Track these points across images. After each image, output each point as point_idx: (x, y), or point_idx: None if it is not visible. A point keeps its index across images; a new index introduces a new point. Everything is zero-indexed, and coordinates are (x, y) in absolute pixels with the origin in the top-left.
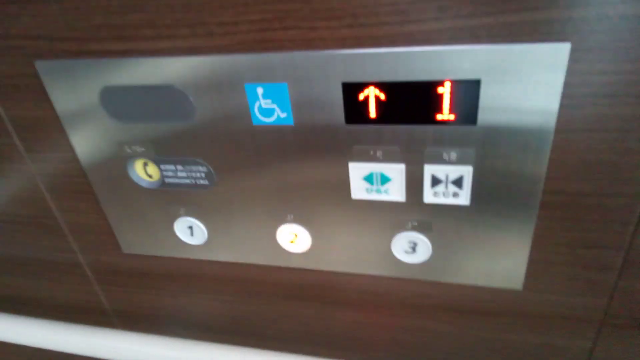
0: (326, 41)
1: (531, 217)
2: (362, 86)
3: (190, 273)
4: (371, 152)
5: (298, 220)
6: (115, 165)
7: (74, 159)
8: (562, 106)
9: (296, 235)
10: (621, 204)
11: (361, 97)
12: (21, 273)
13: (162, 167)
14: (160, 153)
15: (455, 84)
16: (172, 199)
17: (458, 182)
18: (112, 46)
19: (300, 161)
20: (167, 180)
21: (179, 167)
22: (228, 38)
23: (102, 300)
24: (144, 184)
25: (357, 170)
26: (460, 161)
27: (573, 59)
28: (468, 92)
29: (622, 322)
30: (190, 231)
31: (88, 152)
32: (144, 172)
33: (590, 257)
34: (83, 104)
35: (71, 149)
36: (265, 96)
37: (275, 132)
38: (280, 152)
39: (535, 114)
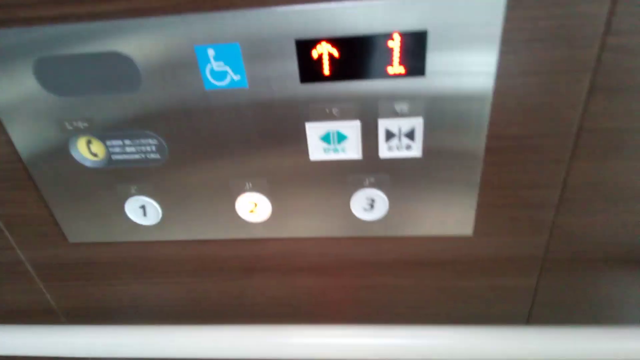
0: None
1: (478, 163)
2: (315, 42)
3: (145, 257)
4: (327, 111)
5: (257, 188)
6: (55, 145)
7: (8, 141)
8: (501, 52)
9: (256, 205)
10: (554, 144)
11: (315, 54)
12: None
13: (108, 143)
14: (105, 128)
15: (404, 36)
16: (121, 177)
17: (410, 135)
18: (44, 11)
19: (256, 125)
20: (115, 157)
21: (127, 142)
22: None
23: (49, 298)
24: (88, 164)
25: (314, 130)
26: (411, 113)
27: (509, 6)
28: (416, 44)
29: (561, 256)
30: (142, 211)
31: (23, 134)
32: (87, 150)
33: (530, 196)
34: (14, 79)
35: (3, 130)
36: (217, 58)
37: (229, 95)
38: (235, 116)
39: (478, 62)
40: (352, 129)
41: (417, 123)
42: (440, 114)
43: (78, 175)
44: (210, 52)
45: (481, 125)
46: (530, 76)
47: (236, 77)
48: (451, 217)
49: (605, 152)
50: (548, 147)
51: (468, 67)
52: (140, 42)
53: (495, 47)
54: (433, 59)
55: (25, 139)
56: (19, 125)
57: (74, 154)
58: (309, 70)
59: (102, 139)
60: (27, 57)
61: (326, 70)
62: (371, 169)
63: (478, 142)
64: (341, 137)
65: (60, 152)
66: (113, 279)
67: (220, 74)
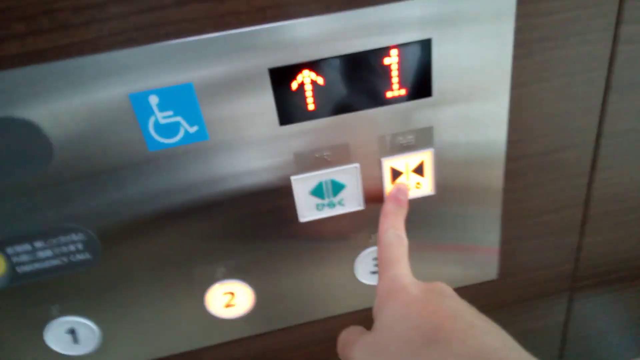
0: (241, 15)
1: (497, 191)
2: (295, 70)
3: None
4: (316, 156)
5: (233, 273)
6: None
7: None
8: (515, 57)
9: (233, 295)
10: (575, 156)
11: (294, 85)
12: None
13: (10, 250)
14: (2, 230)
15: (404, 48)
16: (34, 297)
17: (419, 170)
18: None
19: (223, 190)
20: (21, 269)
21: (39, 244)
22: (93, 29)
23: None
24: None
25: (301, 184)
26: (419, 144)
27: (520, 1)
28: (419, 57)
29: (588, 282)
30: (71, 337)
31: None
32: None
33: (555, 221)
34: None
35: None
36: (162, 106)
37: (183, 155)
38: (193, 183)
39: (491, 69)
40: (350, 174)
41: (427, 155)
42: (452, 141)
43: None
44: (153, 100)
45: (498, 147)
46: (543, 82)
47: (192, 129)
48: (473, 262)
49: (625, 158)
50: (569, 160)
51: (481, 77)
52: (48, 99)
53: (509, 49)
54: (440, 74)
55: None
56: None
57: None
58: (289, 106)
59: (0, 246)
60: None
61: (310, 105)
62: (377, 219)
63: (496, 168)
64: (337, 187)
65: None
66: None
67: (169, 127)
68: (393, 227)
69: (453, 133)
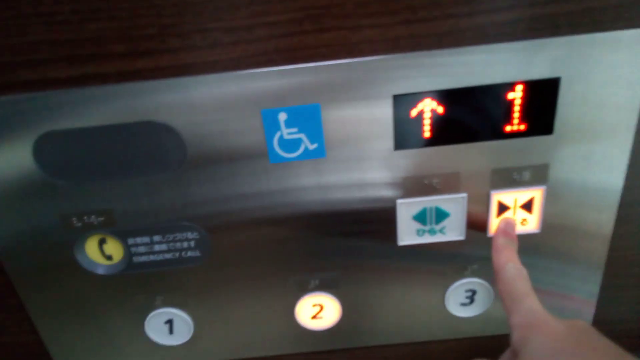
0: (374, 44)
1: (606, 236)
2: (417, 98)
3: None
4: (425, 182)
5: (325, 286)
6: (55, 248)
7: None
8: None
9: (322, 307)
10: None
11: (414, 113)
12: None
13: (130, 241)
14: (127, 222)
15: (530, 85)
16: (142, 285)
17: (527, 206)
18: (57, 72)
19: (330, 206)
20: (137, 259)
21: (157, 238)
22: (239, 49)
23: None
24: (100, 271)
25: (406, 208)
26: (532, 181)
27: None
28: (544, 94)
29: None
30: (168, 327)
31: (8, 237)
32: (99, 252)
33: None
34: (3, 163)
35: None
36: (289, 124)
37: (300, 170)
38: (305, 196)
39: (617, 112)
40: (456, 203)
41: (538, 193)
42: (566, 180)
43: (83, 287)
44: (282, 117)
45: (614, 191)
46: None
47: (312, 147)
48: (569, 306)
49: None
50: None
51: (606, 116)
52: (188, 108)
53: (638, 93)
54: (563, 113)
55: (10, 243)
56: (4, 224)
57: (80, 258)
58: (406, 132)
59: (122, 236)
60: (27, 132)
61: (427, 132)
62: (476, 251)
63: (608, 212)
64: (441, 215)
65: (61, 257)
66: None
67: (292, 142)
68: (511, 260)
69: (569, 172)
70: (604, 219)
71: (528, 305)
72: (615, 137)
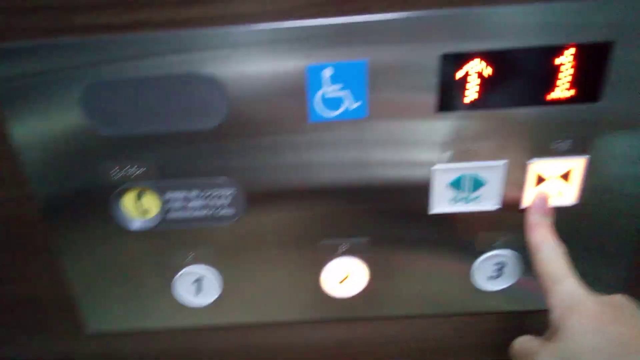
0: None
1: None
2: (466, 58)
3: (192, 349)
4: (464, 148)
5: (353, 251)
6: (91, 201)
7: (27, 196)
8: None
9: (348, 274)
10: None
11: (460, 73)
12: None
13: (168, 195)
14: (166, 175)
15: (582, 48)
16: (175, 242)
17: (566, 177)
18: (110, 18)
19: (366, 168)
20: (172, 215)
21: (194, 193)
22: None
23: None
24: (135, 225)
25: (442, 175)
26: (572, 151)
27: None
28: (596, 59)
29: None
30: (196, 286)
31: (50, 186)
32: (135, 207)
33: None
34: (48, 111)
35: (21, 180)
36: (334, 80)
37: (339, 129)
38: (341, 157)
39: None
40: (494, 171)
41: (577, 164)
42: (609, 152)
43: (117, 241)
44: (327, 73)
45: None
46: None
47: (354, 105)
48: (601, 280)
49: None
50: None
51: None
52: (234, 60)
53: None
54: (614, 79)
55: (50, 191)
56: (45, 175)
57: (116, 212)
58: (450, 93)
59: (161, 190)
60: (73, 82)
61: (471, 95)
62: (507, 223)
63: None
64: (478, 184)
65: (96, 210)
66: None
67: (334, 101)
68: (547, 239)
69: (612, 143)
70: None
71: (567, 286)
72: None
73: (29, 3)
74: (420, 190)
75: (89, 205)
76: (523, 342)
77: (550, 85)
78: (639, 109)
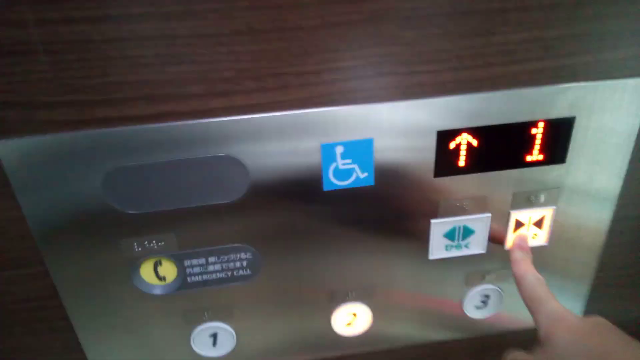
0: (424, 87)
1: (598, 245)
2: (456, 133)
3: None
4: (457, 205)
5: (360, 296)
6: (110, 274)
7: (44, 272)
8: None
9: (355, 315)
10: None
11: (452, 145)
12: None
13: (187, 262)
14: (186, 246)
15: (549, 123)
16: (192, 302)
17: (539, 223)
18: (134, 110)
19: (373, 227)
20: (191, 279)
21: (212, 259)
22: (307, 90)
23: None
24: (155, 291)
25: (439, 227)
26: (545, 202)
27: None
28: (561, 131)
29: None
30: (212, 340)
31: (69, 263)
32: (153, 274)
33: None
34: (69, 196)
35: (40, 263)
36: (345, 155)
37: (348, 196)
38: (350, 219)
39: (617, 144)
40: (481, 222)
41: (548, 212)
42: (573, 202)
43: (134, 308)
44: (338, 150)
45: (607, 206)
46: None
47: (362, 175)
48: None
49: None
50: None
51: (608, 147)
52: (257, 142)
53: (637, 124)
54: (575, 145)
55: (67, 274)
56: (64, 258)
57: (135, 280)
58: (445, 162)
59: (179, 258)
60: (98, 166)
61: (462, 162)
62: (493, 262)
63: (603, 224)
64: (468, 232)
65: (116, 282)
66: None
67: (345, 172)
68: (528, 270)
69: (575, 196)
70: (600, 229)
71: (551, 306)
72: (614, 165)
73: (52, 98)
74: (421, 240)
75: (108, 278)
76: (513, 355)
77: (526, 151)
78: (596, 168)
